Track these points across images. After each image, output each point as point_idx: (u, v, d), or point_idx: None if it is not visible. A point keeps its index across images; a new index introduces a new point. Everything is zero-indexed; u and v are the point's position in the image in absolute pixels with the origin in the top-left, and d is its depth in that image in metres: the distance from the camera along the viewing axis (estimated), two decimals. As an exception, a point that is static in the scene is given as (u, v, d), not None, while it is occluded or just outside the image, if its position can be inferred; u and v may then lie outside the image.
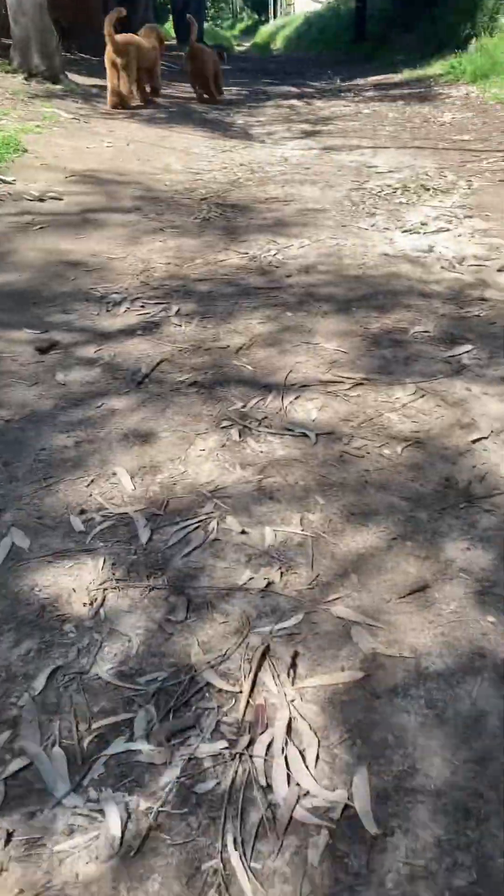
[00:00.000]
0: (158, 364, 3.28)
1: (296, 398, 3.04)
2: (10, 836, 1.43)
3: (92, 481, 2.50)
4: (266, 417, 2.89)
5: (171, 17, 26.59)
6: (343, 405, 2.98)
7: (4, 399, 2.97)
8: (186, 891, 1.34)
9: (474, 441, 2.74)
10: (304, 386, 3.13)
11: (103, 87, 10.29)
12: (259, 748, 1.60)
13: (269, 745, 1.61)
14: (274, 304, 3.91)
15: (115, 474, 2.53)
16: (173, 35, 22.20)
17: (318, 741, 1.62)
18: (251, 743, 1.62)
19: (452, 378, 3.18)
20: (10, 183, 5.79)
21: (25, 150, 6.79)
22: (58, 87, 9.94)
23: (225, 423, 2.84)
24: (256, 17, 56.91)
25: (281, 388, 3.09)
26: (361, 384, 3.14)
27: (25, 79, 9.72)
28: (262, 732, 1.64)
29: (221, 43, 17.51)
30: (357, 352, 3.42)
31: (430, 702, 1.71)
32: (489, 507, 2.38)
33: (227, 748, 1.60)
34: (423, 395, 3.05)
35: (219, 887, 1.35)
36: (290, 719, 1.67)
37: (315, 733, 1.64)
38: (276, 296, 4.02)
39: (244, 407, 2.96)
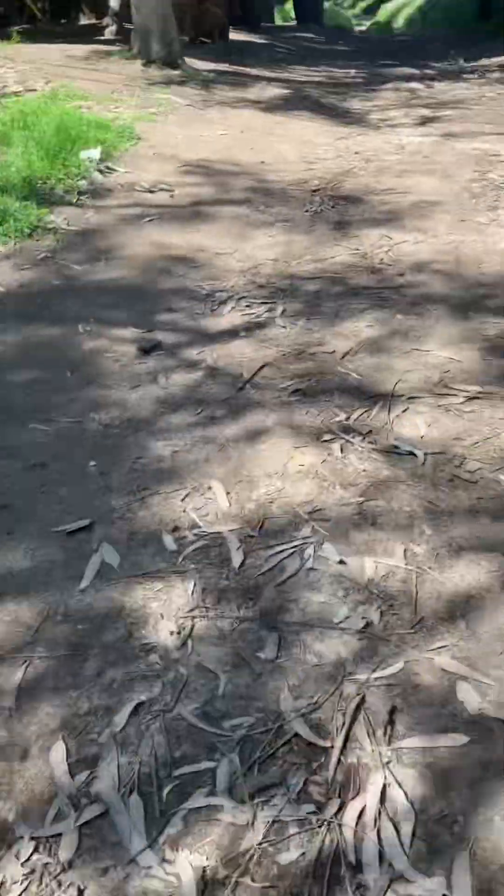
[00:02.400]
0: (261, 369, 3.16)
1: (403, 411, 2.86)
2: (81, 893, 1.36)
3: (187, 495, 2.41)
4: (371, 432, 2.73)
5: (290, -2, 26.43)
6: (455, 421, 2.78)
7: (105, 402, 2.92)
8: None
9: None
10: (413, 398, 2.94)
11: (222, 73, 10.21)
12: (349, 816, 1.47)
13: (361, 814, 1.48)
14: (384, 307, 3.72)
15: (210, 488, 2.44)
16: (293, 16, 22.17)
17: (416, 814, 1.48)
18: (341, 809, 1.49)
19: None
20: (122, 173, 5.78)
21: (140, 139, 6.78)
22: (176, 72, 9.92)
23: (327, 437, 2.69)
24: (378, -5, 55.44)
25: (388, 400, 2.92)
26: (477, 398, 2.93)
27: (144, 65, 9.75)
28: (354, 798, 1.51)
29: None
30: (472, 361, 3.19)
31: (544, 779, 1.53)
32: None
33: (314, 813, 1.48)
34: (545, 414, 2.81)
35: None
36: (385, 785, 1.53)
37: (412, 805, 1.49)
38: (386, 297, 3.83)
39: (348, 419, 2.80)
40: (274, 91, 10.43)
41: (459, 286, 3.93)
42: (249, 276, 4.13)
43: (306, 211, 5.26)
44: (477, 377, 3.07)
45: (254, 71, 11.73)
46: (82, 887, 1.37)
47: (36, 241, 4.41)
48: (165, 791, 1.53)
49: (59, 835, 1.45)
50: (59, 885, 1.37)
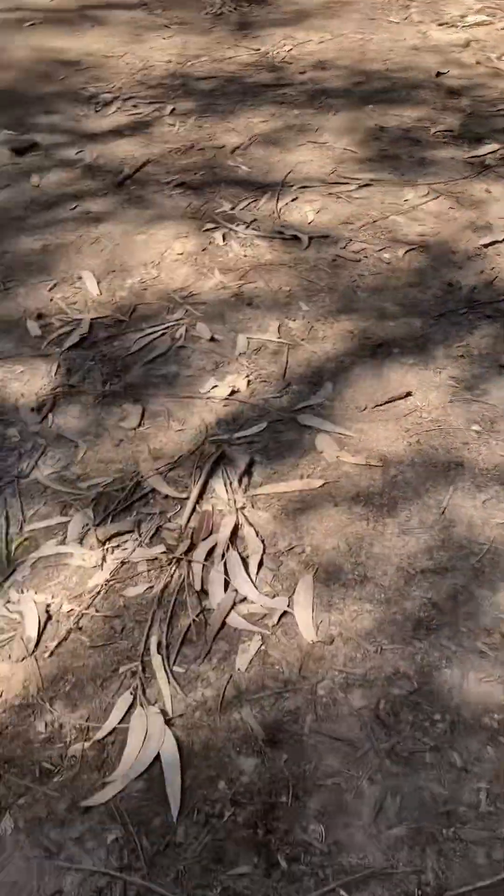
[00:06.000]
0: (144, 165, 2.96)
1: (293, 200, 2.72)
2: None
3: (55, 285, 2.28)
4: (256, 220, 2.60)
5: None
6: (345, 207, 2.67)
7: (-28, 202, 2.72)
8: (100, 692, 1.25)
9: (486, 245, 2.43)
10: (305, 187, 2.80)
11: None
12: (199, 553, 1.47)
13: (211, 552, 1.48)
14: (280, 102, 3.49)
15: (80, 278, 2.31)
16: None
17: (264, 548, 1.48)
18: (191, 549, 1.48)
19: (471, 179, 2.82)
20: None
21: None
22: None
23: (209, 226, 2.56)
24: None
25: (277, 190, 2.78)
26: (369, 185, 2.80)
27: None
28: (206, 539, 1.50)
29: None
30: (368, 151, 3.04)
31: (392, 510, 1.55)
32: (492, 312, 2.12)
33: (164, 553, 1.48)
34: (436, 197, 2.71)
35: (135, 689, 1.25)
36: (237, 525, 1.53)
37: (262, 541, 1.50)
38: (284, 93, 3.59)
39: (233, 209, 2.66)
40: None
41: (362, 81, 3.70)
42: (139, 78, 3.82)
43: (206, 13, 4.85)
44: (372, 166, 2.93)
45: None
46: None
47: None
48: (15, 545, 1.51)
49: None
50: None
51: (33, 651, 1.31)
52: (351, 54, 4.08)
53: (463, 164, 2.95)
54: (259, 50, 4.20)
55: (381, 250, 2.42)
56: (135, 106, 3.50)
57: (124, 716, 1.21)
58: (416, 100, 3.49)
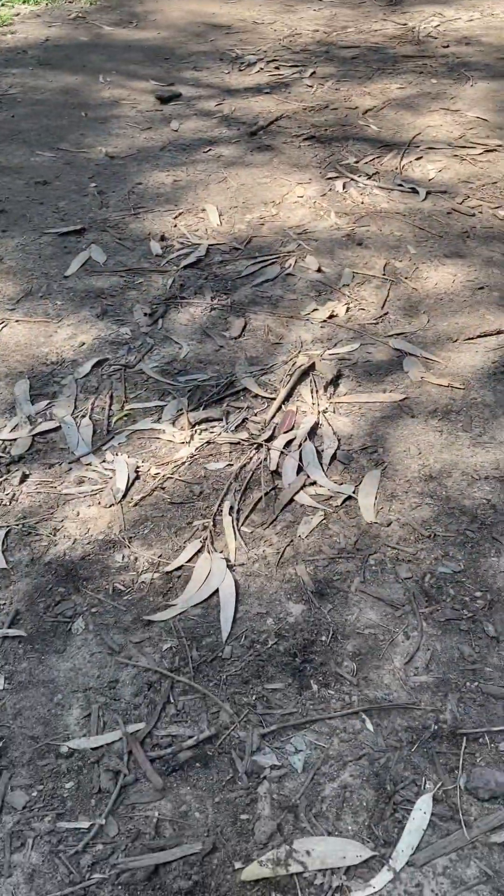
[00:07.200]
0: (278, 119, 3.09)
1: (417, 159, 2.79)
2: (25, 477, 1.53)
3: (180, 214, 2.45)
4: (377, 173, 2.69)
5: None
6: (468, 168, 2.71)
7: (115, 138, 2.93)
8: (173, 538, 1.39)
9: None
10: (431, 148, 2.86)
11: None
12: (278, 443, 1.59)
13: (289, 443, 1.59)
14: (419, 72, 3.54)
15: (204, 210, 2.47)
16: None
17: (339, 445, 1.58)
18: (272, 438, 1.60)
19: None
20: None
21: None
22: None
23: (331, 175, 2.67)
24: None
25: (403, 149, 2.85)
26: (495, 150, 2.83)
27: None
28: (287, 432, 1.62)
29: None
30: (501, 119, 3.06)
31: (466, 425, 1.61)
32: None
33: (247, 440, 1.60)
34: None
35: (204, 539, 1.38)
36: (317, 423, 1.63)
37: (338, 439, 1.60)
38: (424, 64, 3.64)
39: (357, 162, 2.76)
40: None
41: (505, 55, 3.70)
42: (285, 43, 3.96)
43: (358, -12, 4.92)
44: (501, 133, 2.95)
45: None
46: (27, 473, 1.53)
47: (69, 2, 4.29)
48: (115, 418, 1.67)
49: (15, 440, 1.61)
50: (7, 479, 1.54)
51: (120, 500, 1.46)
52: (499, 32, 4.07)
53: None
54: (406, 25, 4.26)
55: (497, 207, 2.46)
56: (277, 68, 3.64)
57: (192, 557, 1.35)
58: None
